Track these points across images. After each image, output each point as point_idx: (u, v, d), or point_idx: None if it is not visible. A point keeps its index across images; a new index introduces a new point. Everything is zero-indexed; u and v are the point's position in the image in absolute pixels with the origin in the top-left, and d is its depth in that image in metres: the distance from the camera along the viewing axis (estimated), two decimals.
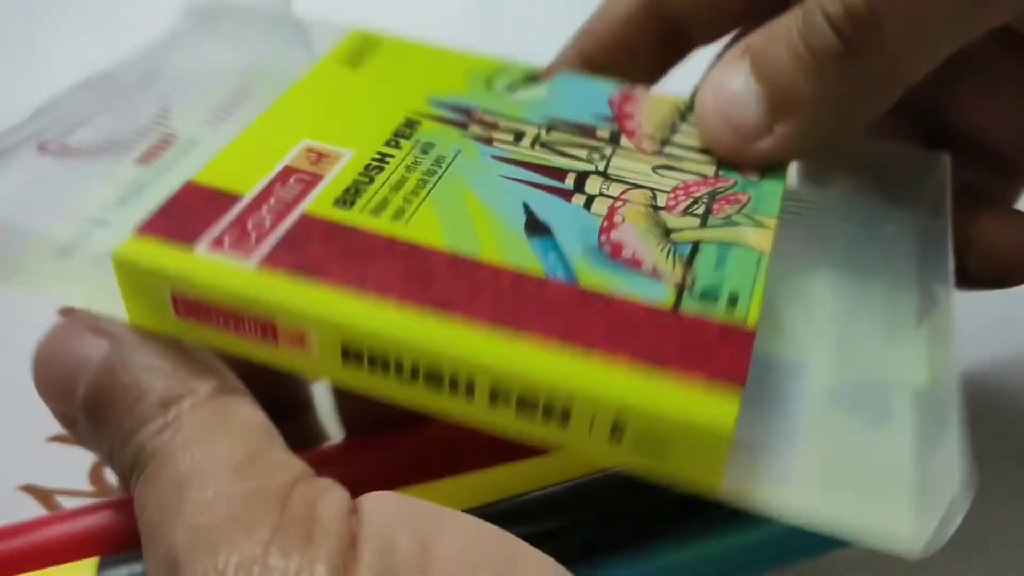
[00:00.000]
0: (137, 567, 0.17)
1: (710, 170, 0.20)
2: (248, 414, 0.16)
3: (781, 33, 0.19)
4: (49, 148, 0.25)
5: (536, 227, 0.18)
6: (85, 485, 0.27)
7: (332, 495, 0.15)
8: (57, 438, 0.27)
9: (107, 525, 0.18)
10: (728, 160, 0.20)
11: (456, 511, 0.15)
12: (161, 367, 0.16)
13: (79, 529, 0.18)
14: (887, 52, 0.18)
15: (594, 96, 0.22)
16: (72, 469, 0.27)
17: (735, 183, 0.19)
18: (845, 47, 0.18)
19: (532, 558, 0.15)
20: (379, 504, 0.15)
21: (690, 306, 0.16)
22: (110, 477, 0.26)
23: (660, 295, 0.16)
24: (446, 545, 0.14)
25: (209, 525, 0.14)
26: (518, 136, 0.20)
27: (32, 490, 0.27)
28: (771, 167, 0.20)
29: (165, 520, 0.15)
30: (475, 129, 0.20)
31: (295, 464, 0.16)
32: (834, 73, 0.18)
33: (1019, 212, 0.22)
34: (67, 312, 0.17)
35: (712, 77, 0.20)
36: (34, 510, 0.26)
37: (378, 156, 0.19)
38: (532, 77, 0.22)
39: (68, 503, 0.26)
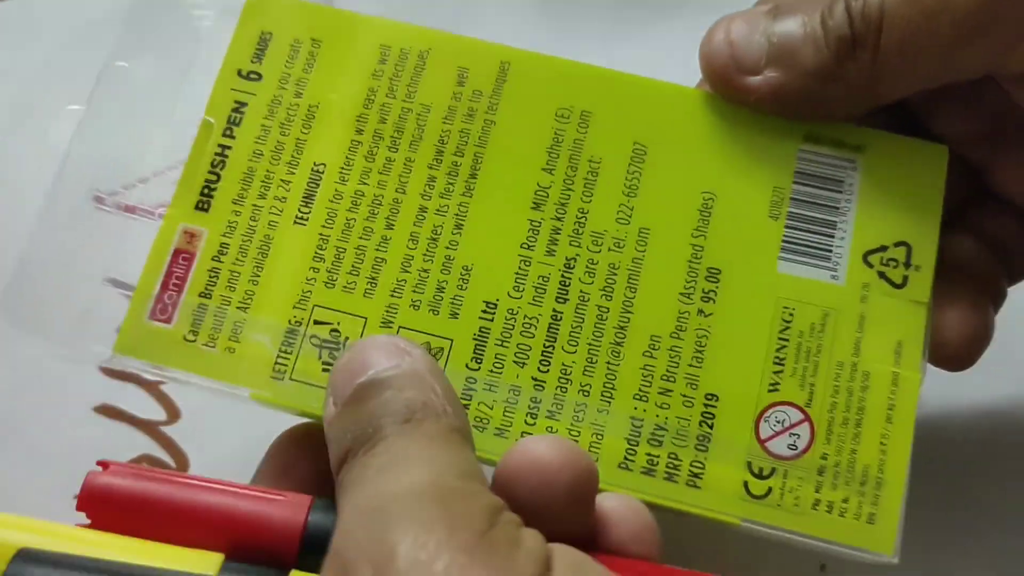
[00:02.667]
0: None
1: None
2: (472, 460, 0.18)
3: (809, 6, 0.22)
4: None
5: None
6: None
7: (533, 533, 0.16)
8: (101, 409, 0.28)
9: (241, 515, 0.18)
10: (714, 83, 0.23)
11: None
12: (432, 385, 0.18)
13: (214, 506, 0.18)
14: (879, 57, 0.21)
15: None
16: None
17: None
18: (851, 38, 0.21)
19: None
20: (567, 551, 0.16)
21: None
22: None
23: None
24: None
25: (426, 501, 0.16)
26: None
27: None
28: (749, 106, 0.22)
29: (379, 481, 0.16)
30: None
31: (502, 503, 0.17)
32: (832, 54, 0.21)
33: (982, 308, 0.23)
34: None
35: (734, 17, 0.23)
36: None
37: None
38: None
39: None
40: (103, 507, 0.18)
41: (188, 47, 0.31)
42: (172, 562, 0.17)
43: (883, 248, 0.22)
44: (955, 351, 0.22)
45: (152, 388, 0.29)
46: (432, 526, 0.15)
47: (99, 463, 0.18)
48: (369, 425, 0.17)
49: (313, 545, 0.17)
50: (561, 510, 0.18)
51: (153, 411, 0.29)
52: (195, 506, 0.18)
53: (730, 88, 0.22)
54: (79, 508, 0.18)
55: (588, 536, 0.19)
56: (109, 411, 0.29)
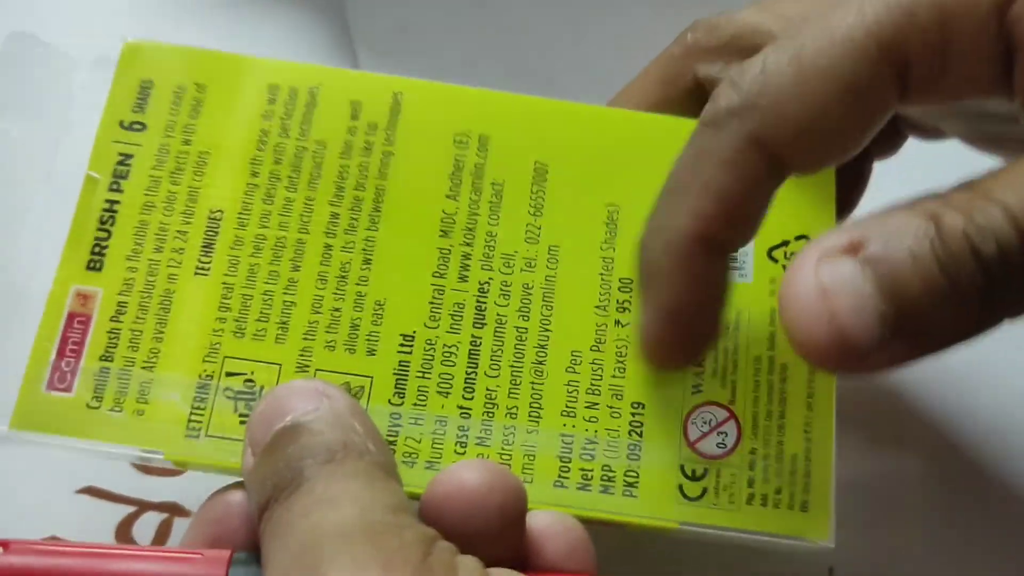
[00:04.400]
0: None
1: None
2: (401, 496, 0.17)
3: (905, 246, 0.16)
4: None
5: None
6: (112, 541, 0.26)
7: (470, 560, 0.16)
8: (86, 490, 0.27)
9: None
10: (817, 364, 0.18)
11: None
12: (353, 424, 0.18)
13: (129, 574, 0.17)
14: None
15: None
16: (99, 524, 0.26)
17: None
18: (987, 283, 0.16)
19: None
20: (506, 574, 0.16)
21: None
22: (136, 535, 0.26)
23: None
24: None
25: (357, 539, 0.16)
26: None
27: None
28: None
29: (306, 523, 0.16)
30: None
31: (434, 533, 0.17)
32: (974, 307, 0.16)
33: None
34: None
35: (816, 268, 0.17)
36: None
37: None
38: None
39: None
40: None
41: (62, 102, 0.30)
42: None
43: (785, 243, 0.23)
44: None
45: None
46: (366, 563, 0.15)
47: (0, 543, 0.17)
48: (289, 470, 0.17)
49: None
50: (492, 534, 0.18)
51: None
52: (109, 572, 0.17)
53: (843, 370, 0.19)
54: None
55: (521, 557, 0.19)
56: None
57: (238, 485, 0.19)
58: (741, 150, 0.19)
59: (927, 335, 0.17)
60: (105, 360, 0.21)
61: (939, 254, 0.16)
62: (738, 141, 0.19)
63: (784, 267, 0.23)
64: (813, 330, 0.17)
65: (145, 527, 0.26)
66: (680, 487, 0.21)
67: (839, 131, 0.19)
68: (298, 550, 0.16)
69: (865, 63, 0.18)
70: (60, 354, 0.21)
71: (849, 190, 0.25)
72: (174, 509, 0.26)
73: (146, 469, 0.27)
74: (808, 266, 0.17)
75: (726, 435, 0.21)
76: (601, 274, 0.22)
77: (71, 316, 0.21)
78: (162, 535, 0.26)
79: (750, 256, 0.23)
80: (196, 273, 0.22)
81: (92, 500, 0.26)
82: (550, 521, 0.19)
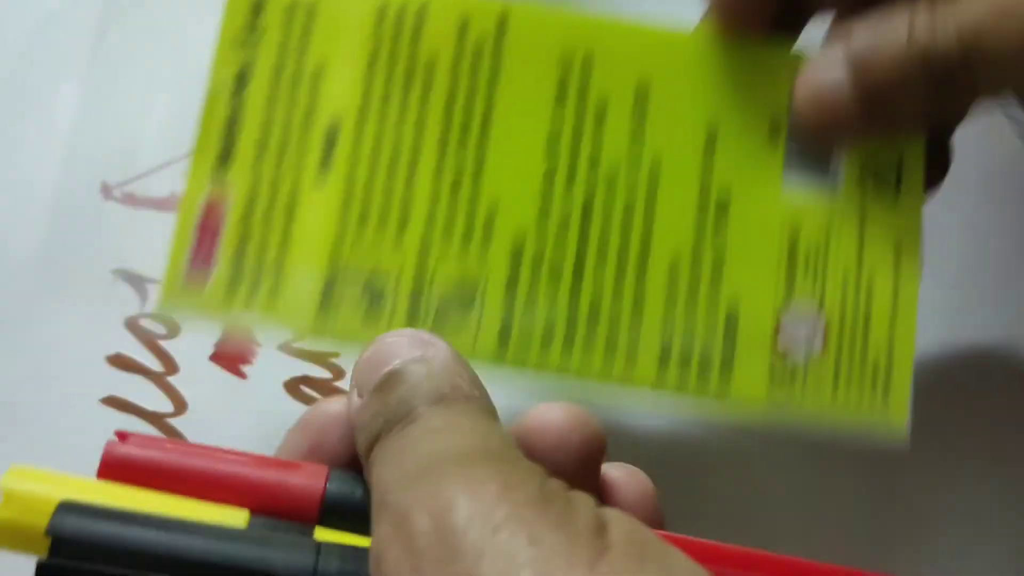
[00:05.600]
0: (284, 538, 0.17)
1: None
2: (504, 432, 0.18)
3: (889, 40, 0.22)
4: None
5: None
6: None
7: (583, 494, 0.16)
8: (109, 401, 0.28)
9: (262, 480, 0.18)
10: (814, 134, 0.24)
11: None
12: (459, 371, 0.18)
13: (235, 473, 0.18)
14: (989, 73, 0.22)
15: None
16: None
17: None
18: (928, 80, 0.22)
19: None
20: (621, 516, 0.16)
21: None
22: None
23: None
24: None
25: (477, 461, 0.16)
26: None
27: None
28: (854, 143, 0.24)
29: (422, 447, 0.16)
30: None
31: (543, 468, 0.17)
32: (940, 89, 0.22)
33: None
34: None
35: (813, 69, 0.23)
36: None
37: None
38: None
39: None
40: (124, 477, 0.18)
41: (177, 16, 0.31)
42: (203, 516, 0.17)
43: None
44: None
45: (159, 380, 0.29)
46: (486, 482, 0.15)
47: (117, 434, 0.18)
48: (401, 406, 0.17)
49: (333, 509, 0.18)
50: (571, 473, 0.18)
51: (160, 403, 0.28)
52: (216, 473, 0.18)
53: (830, 140, 0.24)
54: (100, 478, 0.18)
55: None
56: (116, 403, 0.28)
57: (340, 396, 0.20)
58: None
59: (888, 109, 0.23)
60: (238, 253, 0.22)
61: (911, 50, 0.22)
62: None
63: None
64: (805, 109, 0.23)
65: None
66: (770, 374, 0.23)
67: None
68: (415, 472, 0.16)
69: None
70: (198, 245, 0.22)
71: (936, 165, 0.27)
72: None
73: None
74: (812, 61, 0.23)
75: (814, 339, 0.23)
76: (699, 192, 0.24)
77: (206, 212, 0.22)
78: None
79: (842, 172, 0.24)
80: (317, 175, 0.23)
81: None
82: (623, 472, 0.20)
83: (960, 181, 0.26)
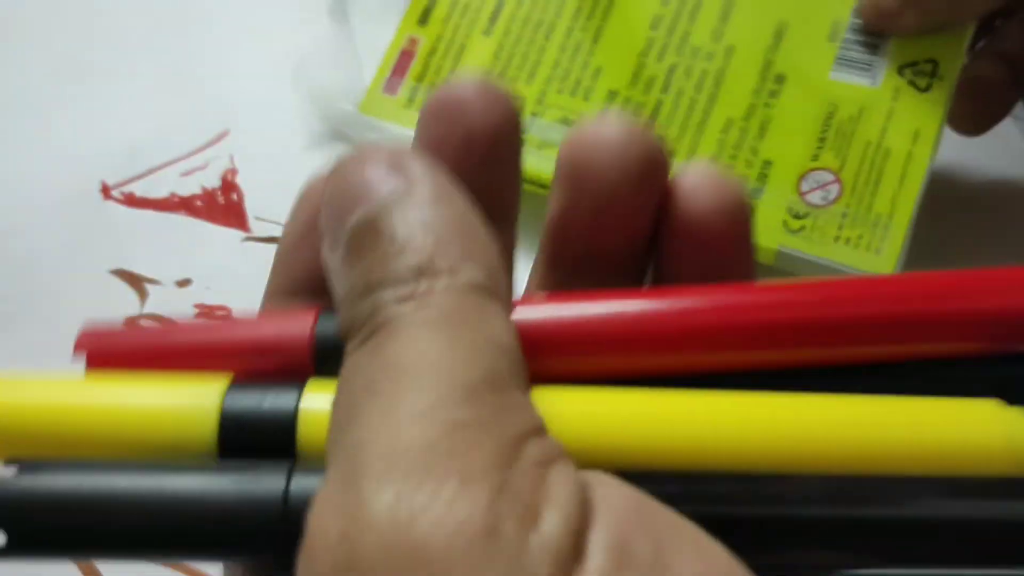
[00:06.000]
0: (264, 399, 0.15)
1: None
2: (501, 330, 0.13)
3: None
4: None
5: None
6: None
7: (566, 467, 0.12)
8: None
9: (244, 339, 0.16)
10: (870, 26, 0.30)
11: (696, 528, 0.12)
12: (439, 230, 0.14)
13: (214, 337, 0.16)
14: None
15: None
16: None
17: None
18: None
19: None
20: (614, 495, 0.12)
21: None
22: None
23: None
24: (683, 568, 0.11)
25: (413, 446, 0.12)
26: None
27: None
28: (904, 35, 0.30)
29: (366, 407, 0.12)
30: None
31: (531, 413, 0.13)
32: None
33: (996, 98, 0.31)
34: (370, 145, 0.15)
35: None
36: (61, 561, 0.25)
37: None
38: None
39: None
40: (100, 357, 0.16)
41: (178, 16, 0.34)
42: (173, 394, 0.15)
43: (915, 63, 0.29)
44: (967, 127, 0.30)
45: None
46: (431, 480, 0.11)
47: (83, 332, 0.17)
48: (366, 302, 0.14)
49: (328, 354, 0.15)
50: (631, 194, 0.16)
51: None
52: (195, 340, 0.16)
53: (884, 30, 0.30)
54: (76, 356, 0.16)
55: (659, 225, 0.17)
56: None
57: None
58: None
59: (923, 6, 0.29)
60: (419, 80, 0.32)
61: None
62: None
63: (909, 81, 0.29)
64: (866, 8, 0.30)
65: None
66: (785, 222, 0.29)
67: None
68: (346, 468, 0.12)
69: None
70: (394, 73, 0.32)
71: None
72: None
73: None
74: None
75: (829, 192, 0.29)
76: (761, 69, 0.30)
77: (403, 52, 0.33)
78: None
79: (883, 69, 0.29)
80: (483, 34, 0.32)
81: None
82: (700, 176, 0.17)
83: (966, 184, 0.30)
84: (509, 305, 0.15)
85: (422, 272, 0.13)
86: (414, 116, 0.31)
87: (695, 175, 0.17)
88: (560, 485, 0.12)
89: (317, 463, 0.13)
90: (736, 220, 0.16)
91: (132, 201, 0.31)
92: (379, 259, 0.14)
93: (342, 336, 0.14)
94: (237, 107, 0.34)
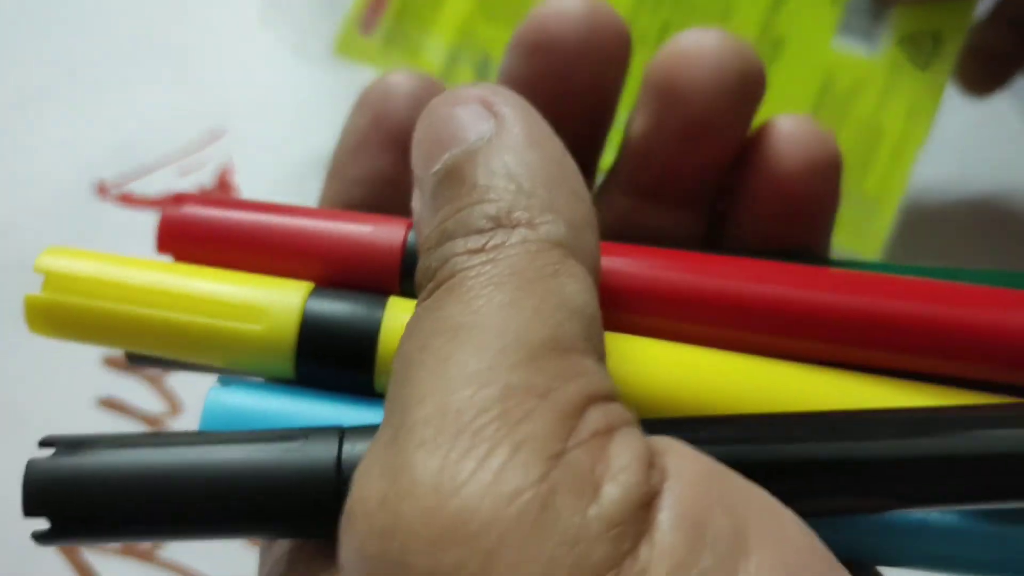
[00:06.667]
0: (345, 306, 0.15)
1: None
2: (575, 290, 0.13)
3: None
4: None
5: None
6: None
7: (631, 435, 0.11)
8: (105, 402, 0.27)
9: (334, 238, 0.16)
10: None
11: (770, 497, 0.11)
12: (523, 178, 0.13)
13: (303, 231, 0.16)
14: None
15: None
16: None
17: None
18: None
19: None
20: (687, 465, 0.11)
21: None
22: None
23: None
24: (762, 549, 0.10)
25: (463, 410, 0.11)
26: None
27: None
28: None
29: (419, 365, 0.12)
30: None
31: (598, 379, 0.12)
32: None
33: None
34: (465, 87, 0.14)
35: None
36: (58, 564, 0.25)
37: None
38: None
39: (94, 558, 0.25)
40: (183, 243, 0.16)
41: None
42: (258, 291, 0.15)
43: (917, 36, 0.28)
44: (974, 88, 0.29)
45: (155, 381, 0.28)
46: (486, 446, 0.11)
47: (173, 198, 0.16)
48: (437, 253, 0.13)
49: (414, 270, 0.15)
50: (724, 116, 0.16)
51: (155, 404, 0.28)
52: (283, 232, 0.16)
53: None
54: (160, 249, 0.16)
55: (747, 153, 0.17)
56: (112, 404, 0.28)
57: (404, 71, 0.17)
58: None
59: None
60: (396, 22, 0.31)
61: None
62: None
63: (909, 55, 0.27)
64: None
65: None
66: None
67: None
68: (394, 412, 0.12)
69: None
70: (370, 12, 0.31)
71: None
72: None
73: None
74: None
75: None
76: (759, 34, 0.29)
77: None
78: None
79: (884, 41, 0.28)
80: None
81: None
82: (797, 125, 0.16)
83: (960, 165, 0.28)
84: (593, 263, 0.13)
85: (498, 223, 0.13)
86: (395, 60, 0.30)
87: (794, 124, 0.16)
88: (623, 455, 0.11)
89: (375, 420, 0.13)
90: (827, 181, 0.16)
91: (129, 200, 0.31)
92: (457, 207, 0.13)
93: (416, 288, 0.13)
94: (234, 106, 0.34)
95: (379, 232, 0.15)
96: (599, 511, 0.10)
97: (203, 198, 0.16)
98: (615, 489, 0.10)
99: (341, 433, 0.13)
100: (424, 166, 0.14)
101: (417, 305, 0.13)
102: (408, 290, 0.15)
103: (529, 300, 0.12)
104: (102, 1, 0.36)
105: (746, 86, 0.16)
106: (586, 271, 0.13)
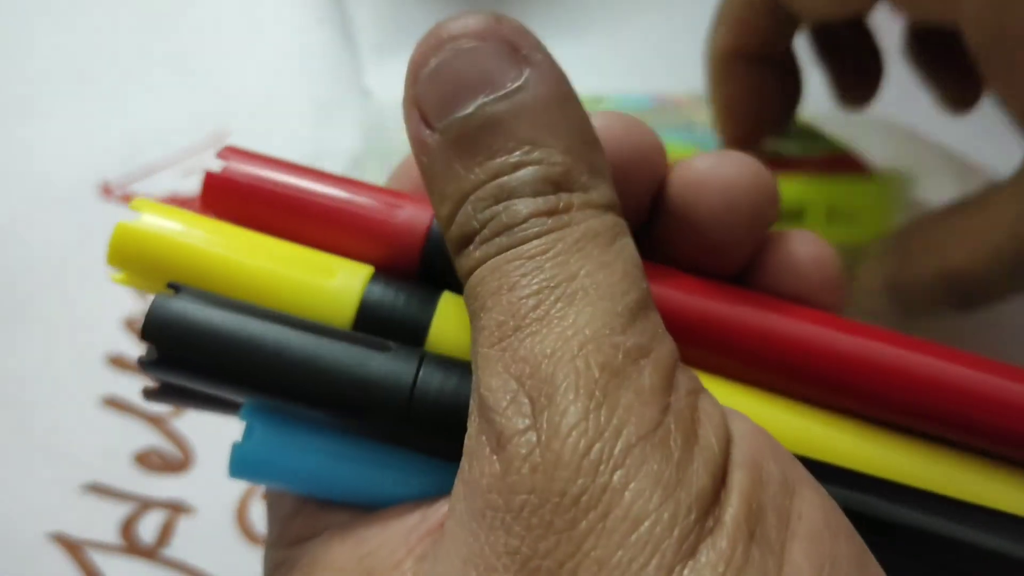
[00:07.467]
0: (400, 296, 0.15)
1: None
2: (633, 250, 0.14)
3: None
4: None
5: None
6: (116, 539, 0.26)
7: (710, 398, 0.13)
8: (90, 488, 0.26)
9: (394, 223, 0.16)
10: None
11: (805, 468, 0.13)
12: (569, 139, 0.13)
13: (364, 210, 0.16)
14: None
15: None
16: (103, 522, 0.26)
17: None
18: None
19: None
20: (746, 426, 0.13)
21: None
22: (142, 533, 0.26)
23: None
24: (811, 499, 0.13)
25: (589, 367, 0.12)
26: None
27: (61, 540, 0.26)
28: None
29: (535, 322, 0.13)
30: None
31: (668, 338, 0.13)
32: None
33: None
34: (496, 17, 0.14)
35: None
36: (62, 562, 0.25)
37: None
38: None
39: (98, 557, 0.25)
40: (231, 204, 0.16)
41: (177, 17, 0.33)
42: (320, 271, 0.15)
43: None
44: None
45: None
46: (599, 409, 0.12)
47: (220, 154, 0.16)
48: (496, 209, 0.13)
49: (433, 252, 0.16)
50: (737, 237, 0.16)
51: (159, 405, 0.28)
52: (345, 207, 0.16)
53: None
54: (202, 204, 0.16)
55: (752, 265, 0.17)
56: (116, 404, 0.28)
57: None
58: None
59: None
60: None
61: None
62: None
63: None
64: None
65: (149, 525, 0.26)
66: None
67: None
68: (516, 362, 0.13)
69: None
70: None
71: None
72: (178, 507, 0.26)
73: (149, 466, 0.27)
74: None
75: None
76: None
77: None
78: (167, 534, 0.26)
79: None
80: None
81: (96, 498, 0.26)
82: (803, 244, 0.16)
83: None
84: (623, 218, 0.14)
85: (559, 186, 0.13)
86: None
87: (800, 240, 0.17)
88: (710, 411, 0.13)
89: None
90: (832, 299, 0.17)
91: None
92: (509, 164, 0.13)
93: (455, 233, 0.14)
94: (239, 106, 0.34)
95: (408, 208, 0.16)
96: (701, 453, 0.12)
97: (251, 155, 0.17)
98: (710, 436, 0.12)
99: (422, 356, 0.15)
100: (446, 104, 0.14)
101: (478, 255, 0.13)
102: (429, 265, 0.16)
103: (616, 262, 0.13)
104: (108, 2, 0.36)
105: (759, 210, 0.16)
106: (628, 230, 0.14)
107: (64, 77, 0.34)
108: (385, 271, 0.16)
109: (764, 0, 0.25)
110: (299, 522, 0.15)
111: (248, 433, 0.15)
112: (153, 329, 0.14)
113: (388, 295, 0.15)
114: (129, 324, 0.28)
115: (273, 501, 0.17)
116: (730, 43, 0.26)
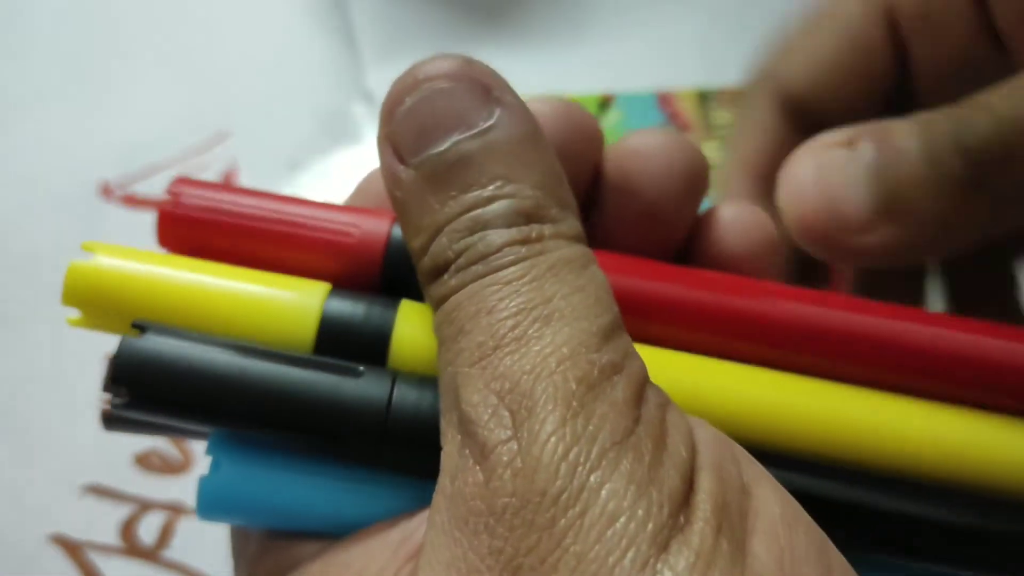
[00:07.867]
0: (359, 307, 0.16)
1: None
2: (603, 276, 0.14)
3: (895, 140, 0.18)
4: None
5: None
6: (115, 540, 0.26)
7: (677, 410, 0.14)
8: (90, 489, 0.26)
9: (348, 238, 0.16)
10: (811, 241, 0.19)
11: (765, 470, 0.14)
12: (539, 176, 0.14)
13: (320, 228, 0.16)
14: (1012, 187, 0.18)
15: None
16: (103, 523, 0.26)
17: None
18: (969, 173, 0.17)
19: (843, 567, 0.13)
20: (707, 434, 0.14)
21: None
22: (142, 534, 0.26)
23: None
24: (766, 496, 0.13)
25: (567, 381, 0.13)
26: None
27: (61, 541, 0.26)
28: (859, 262, 0.20)
29: (514, 342, 0.13)
30: None
31: (639, 357, 0.14)
32: (958, 198, 0.18)
33: None
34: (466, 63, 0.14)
35: (814, 155, 0.19)
36: (62, 563, 0.26)
37: None
38: None
39: (98, 558, 0.26)
40: (187, 236, 0.16)
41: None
42: (279, 291, 0.15)
43: None
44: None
45: None
46: (575, 423, 0.13)
47: (171, 188, 0.16)
48: (471, 240, 0.14)
49: (395, 262, 0.16)
50: (674, 204, 0.17)
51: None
52: (302, 227, 0.16)
53: (835, 249, 0.18)
54: (159, 237, 0.16)
55: (694, 240, 0.18)
56: None
57: None
58: (769, 111, 0.22)
59: (914, 217, 0.18)
60: None
61: (924, 146, 0.18)
62: (765, 104, 0.22)
63: None
64: (807, 208, 0.18)
65: (149, 527, 0.26)
66: None
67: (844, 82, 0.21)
68: (499, 389, 0.13)
69: (862, 20, 0.21)
70: None
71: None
72: (178, 509, 0.27)
73: (149, 467, 0.27)
74: (806, 155, 0.19)
75: None
76: None
77: None
78: (166, 535, 0.26)
79: None
80: None
81: (96, 499, 0.26)
82: (738, 212, 0.18)
83: None
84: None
85: (531, 218, 0.14)
86: None
87: (734, 211, 0.18)
88: (677, 422, 0.13)
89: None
90: (769, 264, 0.18)
91: (133, 202, 0.31)
92: (483, 197, 0.14)
93: (428, 263, 0.14)
94: (239, 108, 0.34)
95: (364, 222, 0.16)
96: (671, 458, 0.13)
97: (202, 186, 0.16)
98: (678, 443, 0.13)
99: (394, 376, 0.15)
100: (421, 141, 0.14)
101: (453, 283, 0.14)
102: (390, 278, 0.16)
103: (589, 286, 0.14)
104: (109, 2, 0.36)
105: (692, 177, 0.17)
106: (594, 258, 0.15)
107: (64, 77, 0.34)
108: (347, 285, 0.16)
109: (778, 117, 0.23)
110: (269, 561, 0.16)
111: (215, 466, 0.15)
112: (124, 372, 0.14)
113: (347, 308, 0.15)
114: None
115: (238, 542, 0.17)
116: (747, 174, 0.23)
